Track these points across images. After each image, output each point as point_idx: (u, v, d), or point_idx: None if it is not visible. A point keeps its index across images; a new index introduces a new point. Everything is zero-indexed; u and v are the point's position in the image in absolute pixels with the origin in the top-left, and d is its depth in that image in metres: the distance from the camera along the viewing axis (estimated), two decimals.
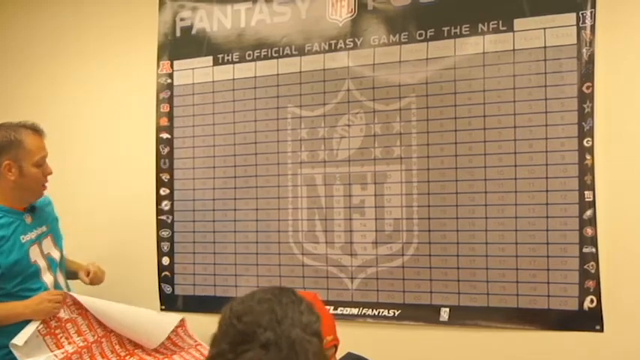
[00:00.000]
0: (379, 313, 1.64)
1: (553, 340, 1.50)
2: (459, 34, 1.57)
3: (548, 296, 1.50)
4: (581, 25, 1.48)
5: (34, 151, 1.44)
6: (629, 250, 1.46)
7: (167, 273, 1.89)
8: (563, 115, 1.50)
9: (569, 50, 1.49)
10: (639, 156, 1.46)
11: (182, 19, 1.87)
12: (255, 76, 1.78)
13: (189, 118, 1.87)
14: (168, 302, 1.89)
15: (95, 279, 1.57)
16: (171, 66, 1.89)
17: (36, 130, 1.46)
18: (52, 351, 1.37)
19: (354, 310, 1.67)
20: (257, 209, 1.78)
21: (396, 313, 1.63)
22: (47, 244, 1.52)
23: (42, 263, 1.49)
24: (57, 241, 1.56)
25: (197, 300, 1.85)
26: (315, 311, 0.82)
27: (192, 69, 1.86)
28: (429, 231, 1.61)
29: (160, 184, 1.91)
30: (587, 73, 1.48)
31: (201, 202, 1.85)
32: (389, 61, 1.65)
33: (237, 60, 1.80)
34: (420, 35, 1.62)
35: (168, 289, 1.89)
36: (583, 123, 1.48)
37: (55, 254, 1.54)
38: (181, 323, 1.52)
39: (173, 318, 1.53)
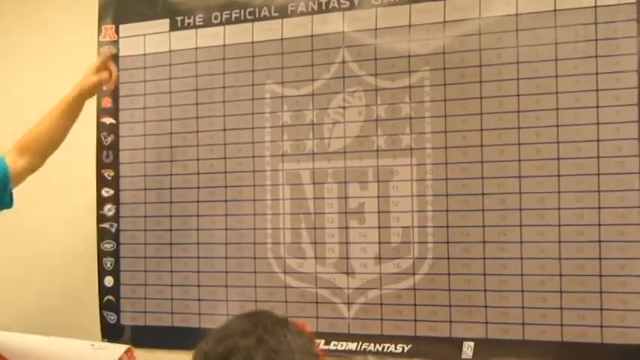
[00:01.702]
0: (384, 348, 1.54)
1: None
2: None
3: (602, 327, 1.39)
4: None
5: None
6: None
7: (111, 297, 1.78)
8: (619, 95, 1.39)
9: (627, 10, 1.38)
10: None
11: None
12: (223, 45, 1.67)
13: (140, 98, 1.75)
14: (112, 335, 1.76)
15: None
16: (117, 31, 1.77)
17: None
18: None
19: (352, 345, 1.57)
20: (226, 215, 1.67)
21: (406, 349, 1.53)
22: None
23: None
24: None
25: (149, 332, 1.74)
26: (305, 332, 0.82)
27: (144, 35, 1.75)
28: (448, 243, 1.50)
29: (101, 183, 1.80)
30: None
31: (155, 205, 1.74)
32: (395, 25, 1.54)
33: (200, 23, 1.69)
34: None
35: (112, 317, 1.77)
36: None
37: None
38: (127, 350, 1.47)
39: (114, 350, 1.47)
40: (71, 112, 1.55)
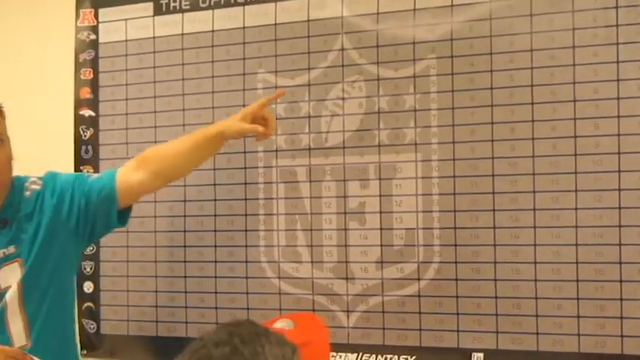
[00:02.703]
0: (386, 359, 1.54)
1: None
2: None
3: (622, 336, 1.39)
4: None
5: None
6: None
7: (90, 304, 1.78)
8: None
9: None
10: None
11: None
12: (212, 30, 1.68)
13: (121, 88, 1.76)
14: (92, 345, 1.77)
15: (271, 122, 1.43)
16: (96, 16, 1.79)
17: None
18: None
19: (352, 356, 1.57)
20: (215, 215, 1.67)
21: None
22: (6, 273, 1.36)
23: None
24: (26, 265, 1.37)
25: (132, 342, 1.74)
26: (289, 342, 0.83)
27: (125, 20, 1.76)
28: (455, 245, 1.50)
29: None
30: None
31: (138, 205, 1.65)
32: (399, 9, 1.54)
33: (187, 7, 1.70)
34: None
35: (91, 326, 1.78)
36: None
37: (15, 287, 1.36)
38: None
39: None
40: (206, 147, 1.42)
